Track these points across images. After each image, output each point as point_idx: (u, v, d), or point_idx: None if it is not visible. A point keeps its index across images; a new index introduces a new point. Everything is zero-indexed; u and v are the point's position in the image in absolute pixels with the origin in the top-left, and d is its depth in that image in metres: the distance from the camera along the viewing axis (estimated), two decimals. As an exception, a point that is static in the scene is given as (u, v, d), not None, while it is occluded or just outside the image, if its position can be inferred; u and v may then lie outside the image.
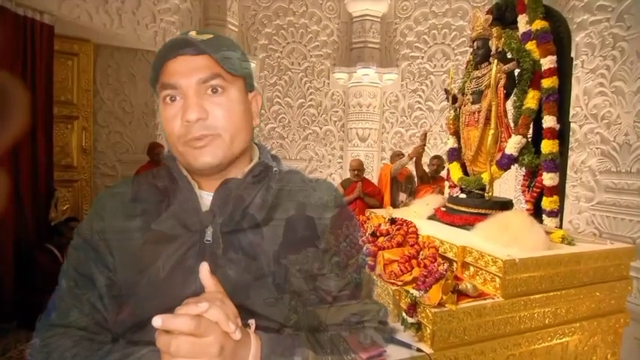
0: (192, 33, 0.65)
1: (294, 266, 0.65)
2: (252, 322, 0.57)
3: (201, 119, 0.61)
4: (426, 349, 1.35)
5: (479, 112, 2.07)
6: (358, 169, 3.77)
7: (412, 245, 1.76)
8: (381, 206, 3.53)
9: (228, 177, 0.67)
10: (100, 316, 0.64)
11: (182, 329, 0.45)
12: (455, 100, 2.29)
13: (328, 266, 0.68)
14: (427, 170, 3.92)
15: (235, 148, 0.66)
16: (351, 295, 0.69)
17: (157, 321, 0.44)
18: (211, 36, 0.65)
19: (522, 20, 2.11)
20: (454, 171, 2.39)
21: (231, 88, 0.65)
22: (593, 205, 3.24)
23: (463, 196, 2.16)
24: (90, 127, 4.02)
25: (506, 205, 2.04)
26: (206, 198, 0.67)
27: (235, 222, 0.65)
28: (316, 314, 0.65)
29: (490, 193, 2.03)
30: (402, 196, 3.74)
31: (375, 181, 4.37)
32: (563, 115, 2.03)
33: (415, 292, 1.42)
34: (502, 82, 1.94)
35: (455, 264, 1.66)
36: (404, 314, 1.45)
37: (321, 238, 0.69)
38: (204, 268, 0.53)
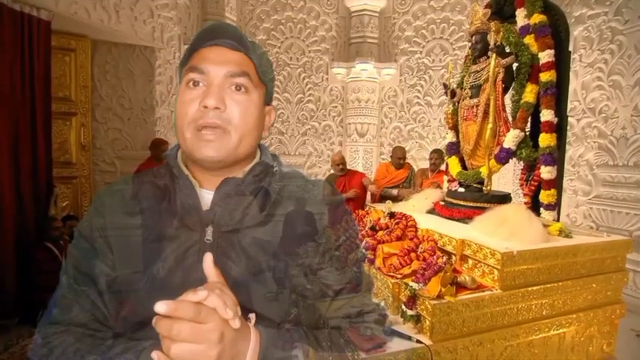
0: None
1: (295, 261, 0.66)
2: (252, 315, 0.58)
3: (218, 109, 0.62)
4: (426, 340, 1.37)
5: (477, 106, 2.07)
6: (343, 162, 3.75)
7: (411, 239, 1.78)
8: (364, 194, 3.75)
9: (229, 176, 0.67)
10: (100, 313, 0.64)
11: (183, 315, 0.46)
12: (453, 94, 2.30)
13: (328, 261, 0.69)
14: (427, 166, 3.96)
15: (240, 151, 0.66)
16: (351, 288, 0.70)
17: (161, 306, 0.45)
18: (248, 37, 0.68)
19: (521, 14, 2.12)
20: (453, 165, 2.41)
21: (253, 91, 0.66)
22: (590, 199, 3.26)
23: (462, 190, 2.18)
24: (88, 124, 4.00)
25: (504, 198, 2.05)
26: (207, 197, 0.67)
27: (236, 221, 0.65)
28: (316, 308, 0.66)
29: (488, 187, 2.04)
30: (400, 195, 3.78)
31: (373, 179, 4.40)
32: (560, 109, 2.04)
33: (414, 285, 1.44)
34: (500, 76, 1.95)
35: (454, 257, 1.68)
36: (403, 306, 1.46)
37: (321, 234, 0.69)
38: (208, 259, 0.54)
